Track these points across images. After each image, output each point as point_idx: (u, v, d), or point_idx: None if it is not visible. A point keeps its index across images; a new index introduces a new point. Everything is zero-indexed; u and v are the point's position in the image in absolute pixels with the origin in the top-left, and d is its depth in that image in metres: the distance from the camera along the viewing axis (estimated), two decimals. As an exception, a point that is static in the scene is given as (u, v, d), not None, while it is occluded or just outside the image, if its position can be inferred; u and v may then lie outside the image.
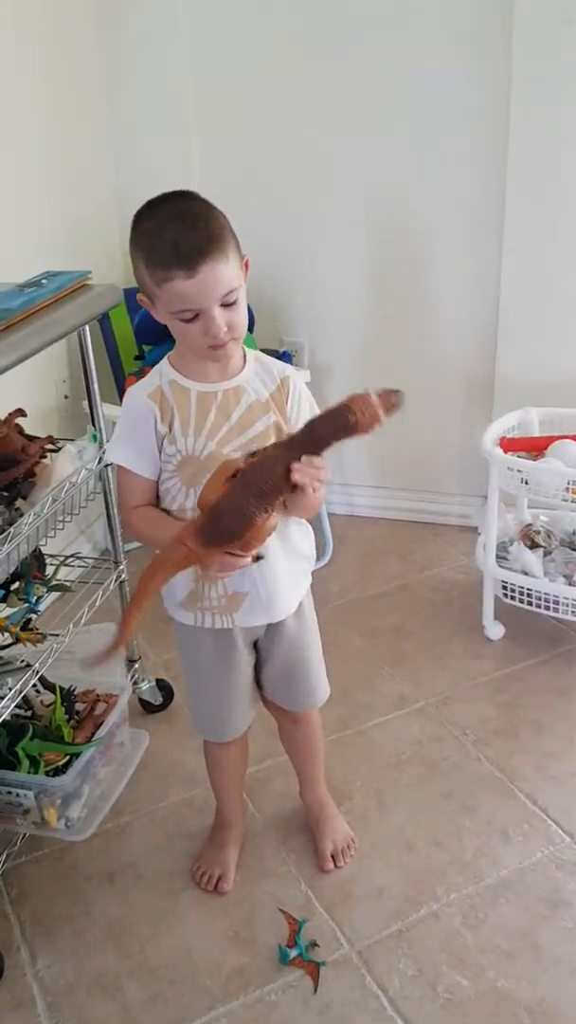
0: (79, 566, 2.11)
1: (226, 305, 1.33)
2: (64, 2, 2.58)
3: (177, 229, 1.29)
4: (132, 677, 2.19)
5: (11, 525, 1.68)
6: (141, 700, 2.26)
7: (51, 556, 2.03)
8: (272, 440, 1.42)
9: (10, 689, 1.68)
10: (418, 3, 2.50)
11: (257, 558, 1.39)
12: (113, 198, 2.81)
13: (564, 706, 2.25)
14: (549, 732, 2.17)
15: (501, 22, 2.41)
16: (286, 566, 1.53)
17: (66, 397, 2.73)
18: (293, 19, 2.62)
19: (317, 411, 1.47)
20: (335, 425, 1.27)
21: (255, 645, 1.65)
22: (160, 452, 1.44)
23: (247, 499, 1.28)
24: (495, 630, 2.48)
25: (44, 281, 1.83)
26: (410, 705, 2.28)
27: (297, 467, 1.25)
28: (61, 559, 1.99)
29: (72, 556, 2.05)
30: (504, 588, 2.43)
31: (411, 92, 2.59)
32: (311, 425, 1.30)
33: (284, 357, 2.76)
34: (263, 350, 2.62)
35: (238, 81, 2.72)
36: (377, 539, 3.04)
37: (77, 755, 1.76)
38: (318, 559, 2.83)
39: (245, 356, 1.47)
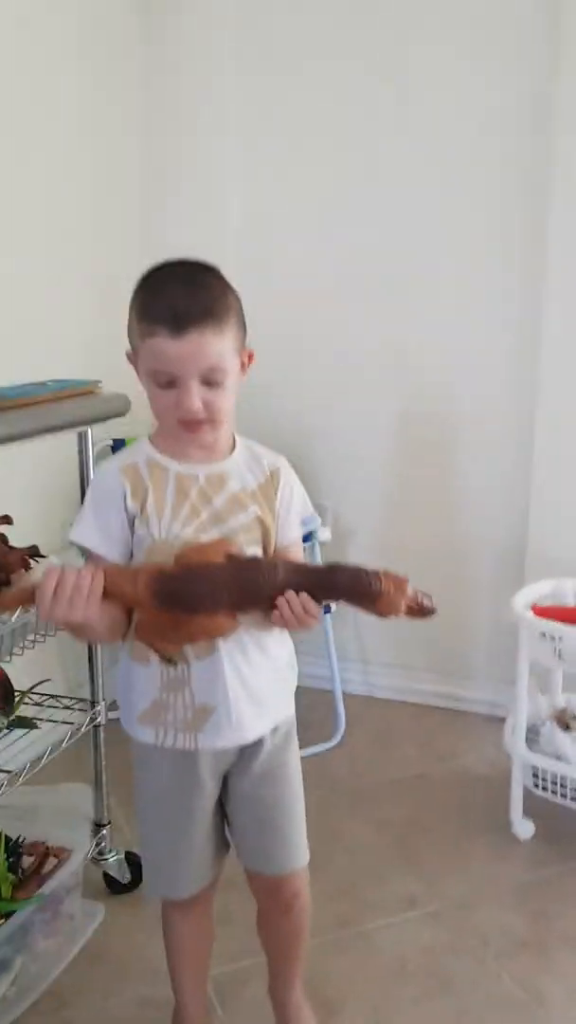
0: (50, 705, 1.87)
1: (208, 383, 1.21)
2: (113, 120, 2.66)
3: (178, 290, 1.21)
4: (97, 844, 1.90)
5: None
6: (106, 876, 1.94)
7: (20, 692, 1.81)
8: (256, 534, 1.30)
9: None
10: (458, 173, 2.56)
11: (170, 661, 1.26)
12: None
13: (603, 920, 1.90)
14: (585, 950, 1.81)
15: (534, 202, 2.43)
16: (262, 680, 1.32)
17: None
18: (328, 186, 2.71)
19: (311, 510, 1.41)
20: (356, 583, 1.21)
21: (225, 781, 1.39)
22: (132, 533, 1.27)
23: (226, 586, 1.18)
24: (524, 827, 2.15)
25: (49, 383, 1.74)
26: (422, 908, 1.94)
27: (289, 597, 1.19)
28: (26, 691, 1.77)
29: (39, 683, 1.82)
30: (535, 776, 2.13)
31: (441, 261, 2.61)
32: (334, 569, 1.24)
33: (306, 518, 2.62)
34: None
35: (275, 236, 2.77)
36: (395, 723, 2.75)
37: (11, 914, 1.46)
38: (329, 739, 2.57)
39: (236, 443, 1.34)
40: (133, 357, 1.26)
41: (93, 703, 1.88)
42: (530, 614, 2.08)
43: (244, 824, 1.41)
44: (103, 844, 1.91)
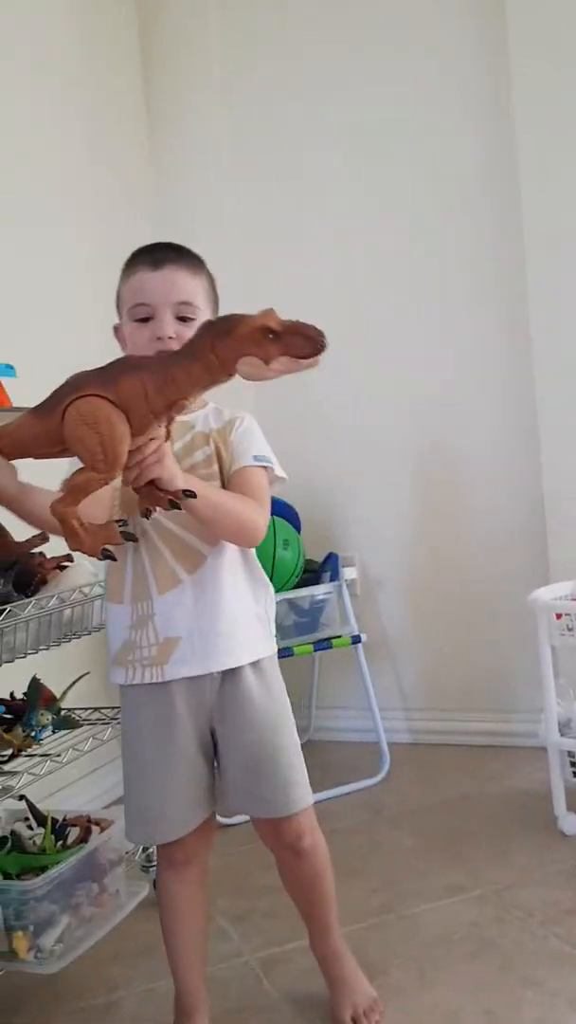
0: (88, 706, 1.98)
1: (181, 318, 1.38)
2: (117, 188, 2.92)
3: (159, 246, 1.43)
4: (144, 850, 1.95)
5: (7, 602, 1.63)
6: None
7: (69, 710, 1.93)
8: (214, 468, 1.40)
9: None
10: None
11: (125, 535, 1.21)
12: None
13: None
14: None
15: (511, 254, 2.69)
16: (229, 614, 1.40)
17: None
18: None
19: (264, 446, 1.46)
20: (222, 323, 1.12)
21: (212, 735, 1.44)
22: None
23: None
24: (570, 822, 2.14)
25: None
26: (466, 893, 1.94)
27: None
28: (70, 684, 1.89)
29: (80, 676, 1.94)
30: (573, 765, 2.15)
31: (435, 316, 2.85)
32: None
33: (331, 558, 2.75)
34: (308, 561, 2.66)
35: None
36: (441, 760, 2.77)
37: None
38: (374, 774, 2.60)
39: (207, 404, 1.47)
40: (119, 328, 1.44)
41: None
42: (543, 597, 2.17)
43: (234, 770, 1.42)
44: (150, 850, 1.97)
